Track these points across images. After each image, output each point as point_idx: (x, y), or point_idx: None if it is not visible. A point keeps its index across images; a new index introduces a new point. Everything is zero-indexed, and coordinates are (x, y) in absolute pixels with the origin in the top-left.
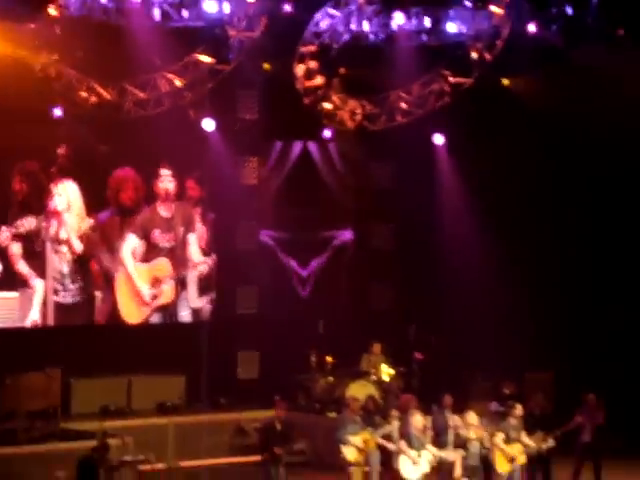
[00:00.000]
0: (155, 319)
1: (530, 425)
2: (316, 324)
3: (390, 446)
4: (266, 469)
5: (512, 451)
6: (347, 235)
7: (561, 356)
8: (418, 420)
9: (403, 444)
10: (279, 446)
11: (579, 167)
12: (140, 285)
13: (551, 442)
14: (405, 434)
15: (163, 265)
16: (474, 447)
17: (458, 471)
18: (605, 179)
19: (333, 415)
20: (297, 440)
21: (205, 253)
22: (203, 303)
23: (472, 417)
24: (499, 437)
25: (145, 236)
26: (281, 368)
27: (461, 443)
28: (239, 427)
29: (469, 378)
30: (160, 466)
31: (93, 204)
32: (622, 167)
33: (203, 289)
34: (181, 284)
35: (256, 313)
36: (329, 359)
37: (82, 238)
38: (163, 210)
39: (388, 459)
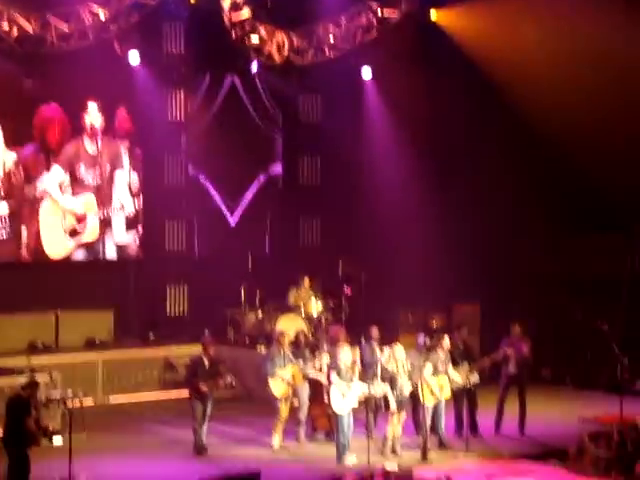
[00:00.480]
0: (80, 255)
1: (455, 358)
2: (245, 259)
3: (321, 379)
4: (193, 405)
5: (439, 383)
6: (276, 170)
7: (488, 288)
8: (346, 353)
9: (334, 376)
10: (206, 382)
11: (508, 98)
12: (64, 220)
13: (476, 377)
14: (334, 367)
15: (88, 201)
16: (401, 380)
17: (393, 405)
18: (534, 108)
19: (262, 349)
20: (224, 375)
21: (132, 190)
22: (130, 239)
23: (399, 350)
24: (427, 369)
25: (70, 170)
26: (210, 303)
27: (388, 376)
28: (168, 362)
29: (397, 311)
30: (89, 402)
31: (18, 138)
32: (552, 96)
33: (130, 225)
34: (107, 221)
35: (184, 248)
36: (258, 293)
37: (5, 173)
38: (89, 145)
39: (317, 393)
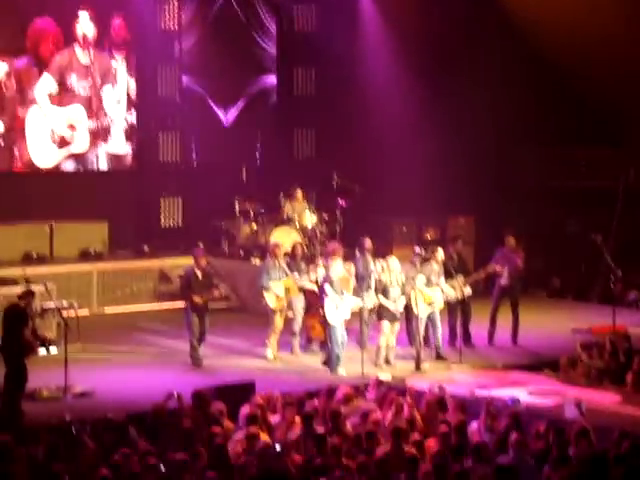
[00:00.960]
0: (69, 166)
1: (450, 270)
2: (239, 171)
3: (316, 290)
4: (188, 318)
5: (432, 295)
6: (270, 80)
7: (482, 201)
8: (338, 266)
9: (327, 288)
10: (199, 294)
11: (506, 10)
12: (54, 129)
13: (469, 289)
14: (327, 280)
15: (78, 111)
16: (395, 291)
17: (391, 306)
18: (531, 22)
19: (256, 261)
20: (218, 286)
21: (127, 101)
22: (124, 150)
23: (394, 262)
24: (420, 281)
25: (61, 79)
26: (204, 215)
27: (382, 287)
28: (163, 274)
29: (391, 224)
30: (84, 312)
31: (11, 50)
32: (551, 9)
33: (124, 136)
34: (99, 132)
35: (179, 160)
36: (252, 206)
37: None
38: (81, 55)
39: (311, 304)
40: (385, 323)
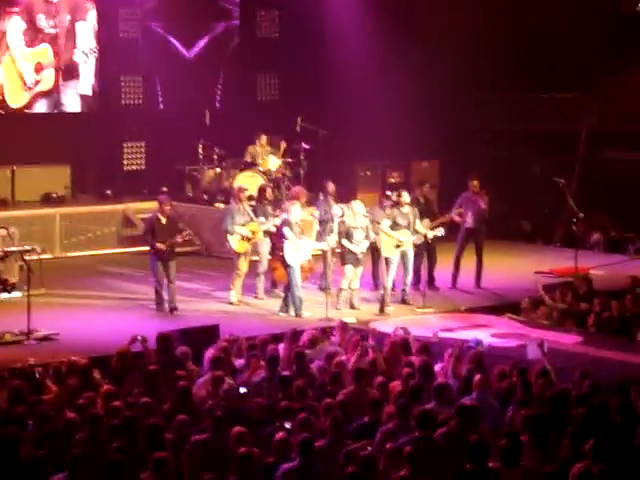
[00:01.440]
0: (40, 108)
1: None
2: (203, 115)
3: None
4: (153, 264)
5: (399, 237)
6: (232, 23)
7: (446, 145)
8: (297, 210)
9: (286, 231)
10: (163, 240)
11: None
12: (23, 69)
13: (440, 231)
14: (286, 223)
15: (45, 51)
16: (359, 235)
17: (356, 248)
18: None
19: (220, 206)
20: (182, 231)
21: (89, 43)
22: (86, 93)
23: (357, 205)
24: (384, 223)
25: (30, 20)
26: (168, 159)
27: (344, 230)
28: (126, 218)
29: (355, 168)
30: (47, 256)
31: None
32: None
33: (87, 79)
34: (63, 72)
35: (141, 103)
36: (216, 150)
37: None
38: None
39: (276, 247)
40: (348, 267)
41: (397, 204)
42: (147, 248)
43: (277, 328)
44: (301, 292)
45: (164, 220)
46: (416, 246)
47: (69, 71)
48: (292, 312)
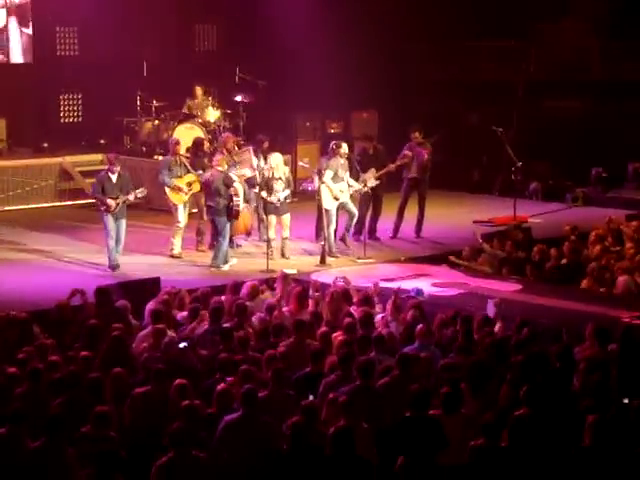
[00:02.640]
0: None
1: (363, 164)
2: (140, 66)
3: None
4: (105, 221)
5: (338, 188)
6: None
7: (385, 95)
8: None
9: (328, 177)
10: (114, 197)
11: None
12: None
13: (373, 182)
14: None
15: None
16: (278, 185)
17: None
18: None
19: (159, 158)
20: (136, 189)
21: None
22: (21, 42)
23: (276, 157)
24: (328, 175)
25: None
26: (105, 111)
27: (264, 183)
28: (64, 171)
29: (295, 119)
30: None
31: None
32: None
33: (21, 27)
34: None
35: (78, 54)
36: (154, 102)
37: None
38: None
39: None
40: (270, 217)
41: (333, 154)
42: (84, 201)
43: (218, 280)
44: (227, 244)
45: (114, 178)
46: (362, 195)
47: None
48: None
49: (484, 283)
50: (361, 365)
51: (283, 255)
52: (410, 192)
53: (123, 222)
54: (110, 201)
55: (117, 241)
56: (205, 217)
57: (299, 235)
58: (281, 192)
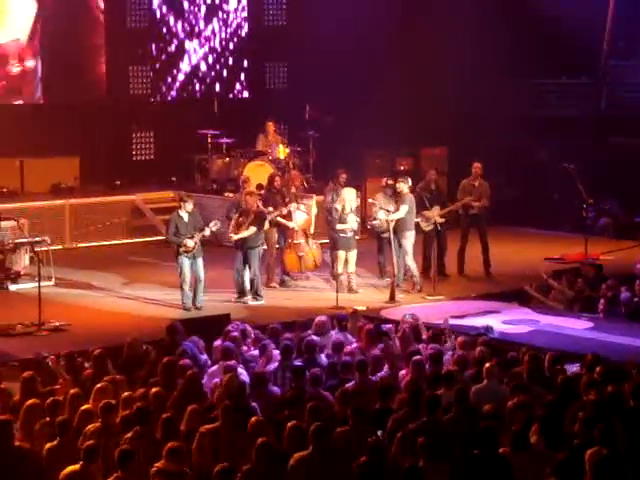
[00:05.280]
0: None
1: (427, 200)
2: (212, 103)
3: (288, 224)
4: (180, 263)
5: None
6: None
7: (455, 131)
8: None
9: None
10: (190, 236)
11: None
12: None
13: (438, 219)
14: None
15: None
16: (351, 219)
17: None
18: None
19: (230, 195)
20: (208, 225)
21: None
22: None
23: (350, 192)
24: (401, 211)
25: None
26: (177, 149)
27: (338, 217)
28: (136, 208)
29: (364, 155)
30: (57, 247)
31: None
32: None
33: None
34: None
35: (149, 92)
36: (225, 139)
37: None
38: None
39: (286, 237)
40: (340, 252)
41: (410, 190)
42: (156, 238)
43: (288, 316)
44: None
45: (186, 217)
46: (426, 233)
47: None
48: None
49: (555, 320)
50: (427, 400)
51: (351, 290)
52: (470, 228)
53: (200, 261)
54: (188, 241)
55: (197, 281)
56: (274, 254)
57: (367, 270)
58: (354, 223)
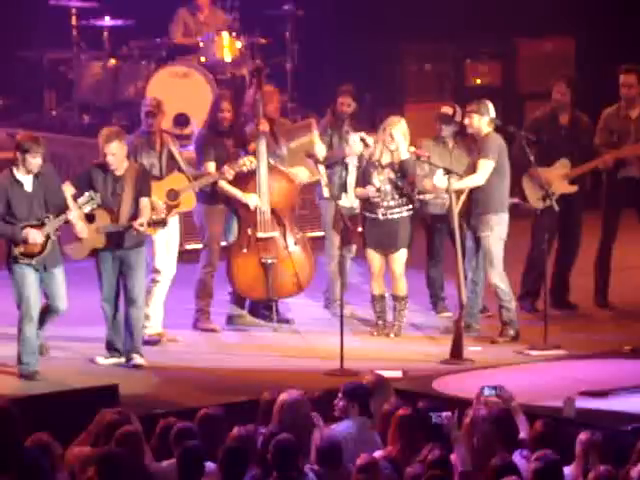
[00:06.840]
0: None
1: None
2: None
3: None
4: (15, 273)
5: None
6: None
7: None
8: None
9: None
10: (39, 223)
11: None
12: None
13: (565, 188)
14: None
15: None
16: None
17: None
18: None
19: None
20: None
21: None
22: None
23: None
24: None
25: None
26: None
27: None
28: None
29: (400, 56)
30: None
31: None
32: None
33: None
34: None
35: None
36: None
37: None
38: None
39: None
40: (370, 252)
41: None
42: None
43: (229, 392)
44: None
45: (28, 183)
46: (537, 217)
47: None
48: None
49: None
50: None
51: (388, 334)
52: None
53: (58, 274)
54: (33, 233)
55: (51, 312)
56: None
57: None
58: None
